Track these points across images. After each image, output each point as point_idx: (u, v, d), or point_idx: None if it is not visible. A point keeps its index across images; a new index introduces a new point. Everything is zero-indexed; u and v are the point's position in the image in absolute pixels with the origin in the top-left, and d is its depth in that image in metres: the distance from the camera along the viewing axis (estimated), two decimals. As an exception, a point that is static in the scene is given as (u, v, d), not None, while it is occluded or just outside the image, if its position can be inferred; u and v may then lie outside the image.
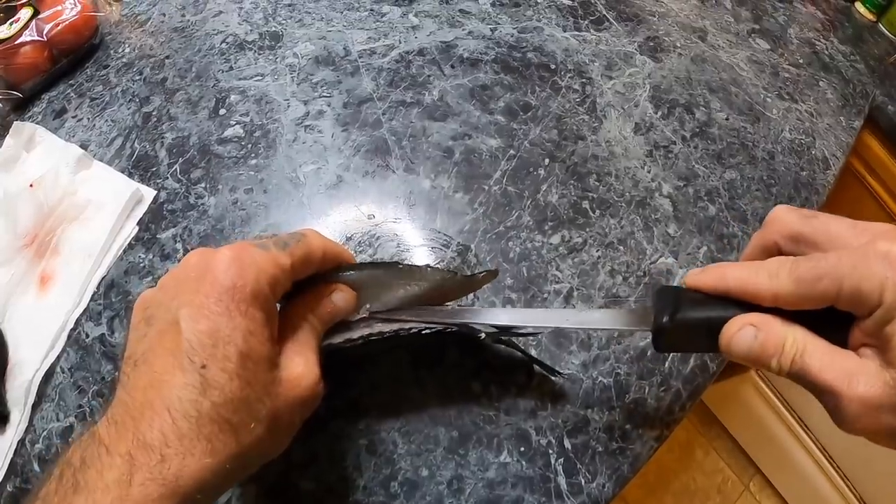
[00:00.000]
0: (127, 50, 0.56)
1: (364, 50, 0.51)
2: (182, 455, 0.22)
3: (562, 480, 0.34)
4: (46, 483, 0.23)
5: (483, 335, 0.31)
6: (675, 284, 0.26)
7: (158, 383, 0.23)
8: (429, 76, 0.49)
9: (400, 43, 0.51)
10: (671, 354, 0.38)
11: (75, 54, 0.56)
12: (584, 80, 0.50)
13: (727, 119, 0.51)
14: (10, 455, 0.39)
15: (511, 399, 0.36)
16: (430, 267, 0.32)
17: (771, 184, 0.49)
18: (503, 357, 0.37)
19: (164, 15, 0.57)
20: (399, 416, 0.36)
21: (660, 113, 0.49)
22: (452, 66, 0.50)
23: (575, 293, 0.39)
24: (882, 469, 0.82)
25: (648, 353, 0.38)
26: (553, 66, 0.50)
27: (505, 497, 0.34)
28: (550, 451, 0.35)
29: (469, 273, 0.33)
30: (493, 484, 0.34)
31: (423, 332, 0.31)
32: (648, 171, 0.46)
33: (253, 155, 0.46)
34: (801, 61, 0.61)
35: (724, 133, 0.50)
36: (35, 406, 0.40)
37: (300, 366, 0.26)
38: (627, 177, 0.45)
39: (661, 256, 0.42)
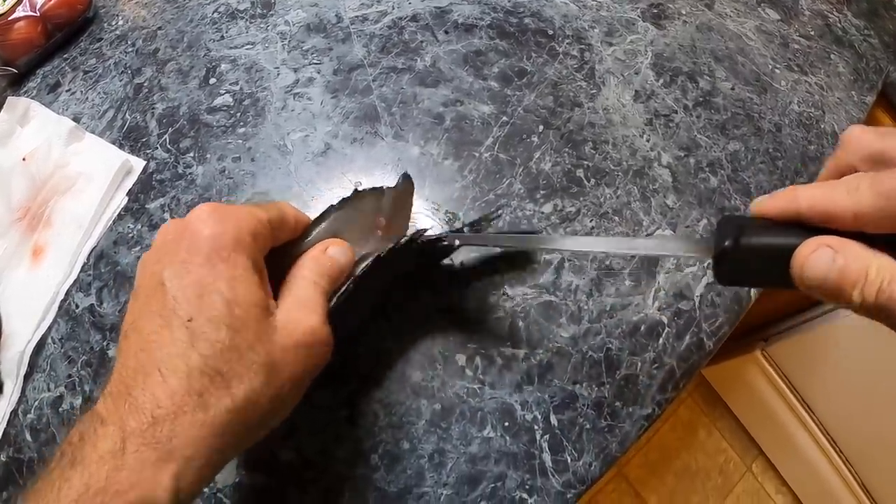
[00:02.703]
0: (120, 22, 0.54)
1: (356, 16, 0.48)
2: (174, 414, 0.21)
3: (547, 457, 0.32)
4: (51, 463, 0.21)
5: (457, 243, 0.31)
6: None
7: (148, 345, 0.22)
8: (421, 42, 0.46)
9: (393, 9, 0.48)
10: (665, 330, 0.35)
11: (69, 28, 0.55)
12: (582, 46, 0.47)
13: (732, 89, 0.48)
14: (3, 425, 0.38)
15: (496, 372, 0.33)
16: (358, 190, 0.30)
17: (777, 157, 0.45)
18: (490, 327, 0.35)
19: (157, -14, 0.55)
20: (380, 388, 0.34)
21: (661, 81, 0.46)
22: (446, 32, 0.47)
23: (566, 264, 0.37)
24: (884, 454, 0.79)
25: (641, 328, 0.35)
26: (551, 32, 0.47)
27: (487, 473, 0.31)
28: (536, 427, 0.32)
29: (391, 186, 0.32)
30: (475, 459, 0.32)
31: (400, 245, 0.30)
32: (647, 140, 0.42)
33: (241, 123, 0.44)
34: (812, 33, 0.57)
35: (728, 103, 0.47)
36: (27, 377, 0.40)
37: (297, 311, 0.24)
38: (625, 145, 0.42)
39: (657, 228, 0.39)
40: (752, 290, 0.39)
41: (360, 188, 0.30)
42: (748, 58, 0.51)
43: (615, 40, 0.48)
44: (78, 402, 0.38)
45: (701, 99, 0.46)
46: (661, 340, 0.35)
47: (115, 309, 0.40)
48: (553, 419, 0.33)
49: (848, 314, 0.73)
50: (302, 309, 0.25)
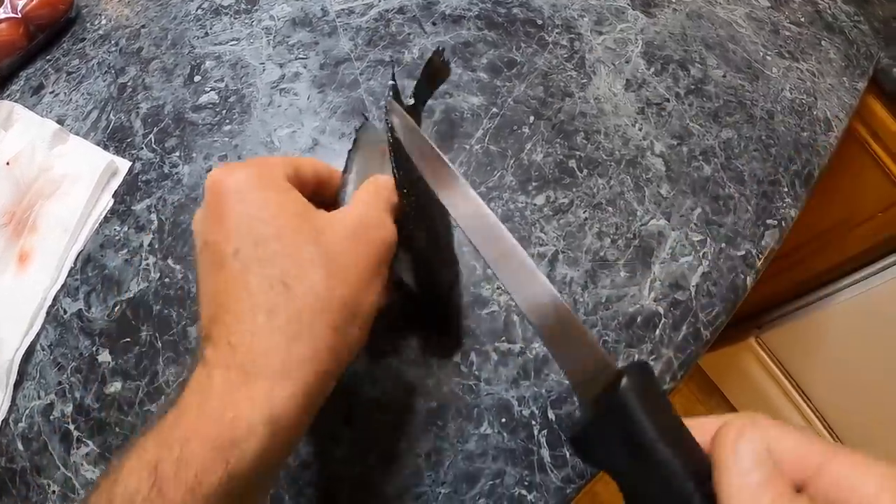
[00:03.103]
0: (103, 22, 0.52)
1: (342, 9, 0.47)
2: (249, 335, 0.20)
3: (545, 453, 0.31)
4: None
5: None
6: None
7: (214, 294, 0.22)
8: (409, 34, 0.45)
9: (379, 1, 0.47)
10: (661, 321, 0.35)
11: (52, 29, 0.53)
12: (572, 35, 0.45)
13: (724, 76, 0.47)
14: (-6, 434, 0.37)
15: (491, 368, 0.33)
16: (358, 129, 0.31)
17: (770, 144, 0.44)
18: (484, 322, 0.34)
19: (140, -16, 0.54)
20: (375, 387, 0.33)
21: (652, 69, 0.45)
22: (434, 24, 0.45)
23: (560, 256, 0.36)
24: (879, 438, 0.79)
25: (637, 320, 0.34)
26: (540, 22, 0.46)
27: (485, 470, 0.31)
28: (533, 423, 0.31)
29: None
30: (472, 456, 0.31)
31: None
32: (640, 129, 0.41)
33: (227, 121, 0.42)
34: (802, 20, 0.56)
35: (720, 91, 0.46)
36: (17, 385, 0.38)
37: (344, 210, 0.24)
38: (617, 135, 0.41)
39: (652, 218, 0.38)
40: (748, 279, 0.38)
41: (357, 127, 0.30)
42: (739, 45, 0.50)
43: (605, 29, 0.47)
44: (69, 409, 0.37)
45: (693, 87, 0.45)
46: (657, 332, 0.34)
47: (104, 313, 0.39)
48: (551, 414, 0.32)
49: (841, 299, 0.72)
50: (348, 207, 0.25)
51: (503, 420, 0.32)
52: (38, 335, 0.39)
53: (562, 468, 0.31)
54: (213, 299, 0.22)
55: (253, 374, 0.20)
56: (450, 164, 0.25)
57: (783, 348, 0.83)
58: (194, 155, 0.42)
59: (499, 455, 0.31)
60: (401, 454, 0.31)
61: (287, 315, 0.21)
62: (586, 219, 0.37)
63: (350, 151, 0.29)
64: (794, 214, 0.42)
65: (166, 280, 0.38)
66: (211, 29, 0.48)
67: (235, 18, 0.48)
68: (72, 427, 0.36)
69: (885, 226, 0.67)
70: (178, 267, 0.38)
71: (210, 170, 0.41)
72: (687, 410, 1.15)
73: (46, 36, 0.53)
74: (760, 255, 0.39)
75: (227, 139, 0.42)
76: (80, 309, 0.40)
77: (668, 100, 0.43)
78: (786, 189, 0.42)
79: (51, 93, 0.50)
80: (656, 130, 0.42)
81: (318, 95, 0.42)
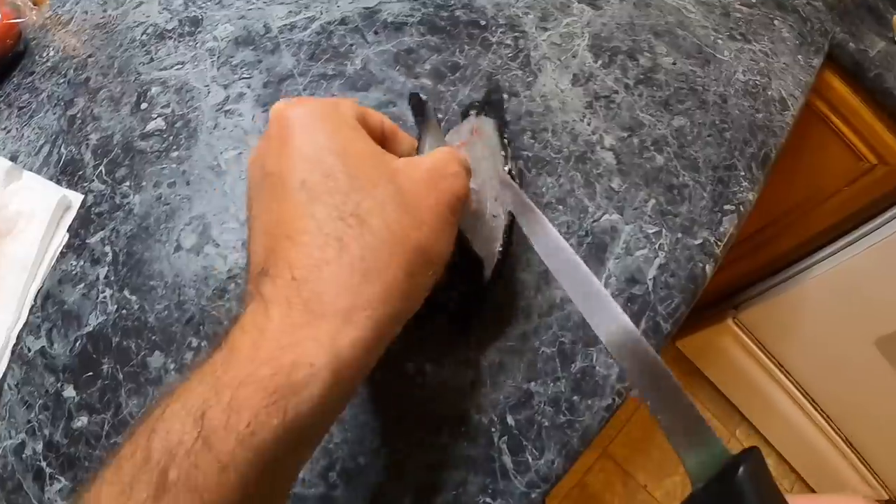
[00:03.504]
0: (51, 53, 0.51)
1: (284, 25, 0.45)
2: (316, 268, 0.18)
3: (507, 459, 0.30)
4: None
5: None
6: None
7: (272, 226, 0.20)
8: (351, 45, 0.44)
9: (321, 14, 0.46)
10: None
11: (1, 64, 0.52)
12: (516, 33, 0.45)
13: (674, 63, 0.46)
14: (-34, 477, 0.36)
15: (448, 377, 0.32)
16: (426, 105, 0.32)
17: (724, 128, 0.44)
18: (436, 332, 0.33)
19: (86, 13, 0.52)
20: (332, 407, 0.32)
21: (600, 62, 0.44)
22: (376, 33, 0.44)
23: (510, 259, 0.35)
24: (862, 407, 0.79)
25: (594, 316, 0.34)
26: (483, 23, 0.45)
27: (448, 480, 0.30)
28: (493, 430, 0.31)
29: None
30: (434, 467, 0.30)
31: None
32: (588, 124, 0.41)
33: (175, 147, 0.41)
34: (753, 0, 0.55)
35: (670, 78, 0.45)
36: (-14, 425, 0.37)
37: (425, 155, 0.23)
38: (565, 132, 0.40)
39: (604, 214, 0.37)
40: (707, 267, 0.37)
41: (415, 104, 0.31)
42: (689, 30, 0.49)
43: (550, 25, 0.46)
44: (39, 447, 0.36)
45: (642, 76, 0.44)
46: (615, 327, 0.33)
47: (66, 349, 0.38)
48: (510, 420, 0.31)
49: (814, 274, 0.72)
50: (421, 156, 0.24)
51: (462, 429, 0.31)
52: (4, 375, 0.39)
53: (525, 473, 0.30)
54: (273, 230, 0.20)
55: (318, 312, 0.18)
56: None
57: (761, 327, 0.83)
58: (144, 183, 0.41)
59: (460, 465, 0.30)
60: (362, 470, 0.31)
61: (360, 250, 0.19)
62: (537, 219, 0.36)
63: (421, 127, 0.29)
64: (752, 198, 0.41)
65: (123, 311, 0.37)
66: (156, 54, 0.47)
67: (179, 41, 0.47)
68: (44, 464, 0.36)
69: (851, 199, 0.67)
70: (133, 297, 0.38)
71: (160, 197, 0.40)
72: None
73: (-4, 72, 0.52)
74: (719, 242, 0.38)
75: (174, 165, 0.41)
76: (44, 346, 0.39)
77: (616, 91, 0.43)
78: (742, 173, 0.42)
79: (3, 129, 0.49)
80: (606, 124, 0.41)
81: (262, 115, 0.41)
